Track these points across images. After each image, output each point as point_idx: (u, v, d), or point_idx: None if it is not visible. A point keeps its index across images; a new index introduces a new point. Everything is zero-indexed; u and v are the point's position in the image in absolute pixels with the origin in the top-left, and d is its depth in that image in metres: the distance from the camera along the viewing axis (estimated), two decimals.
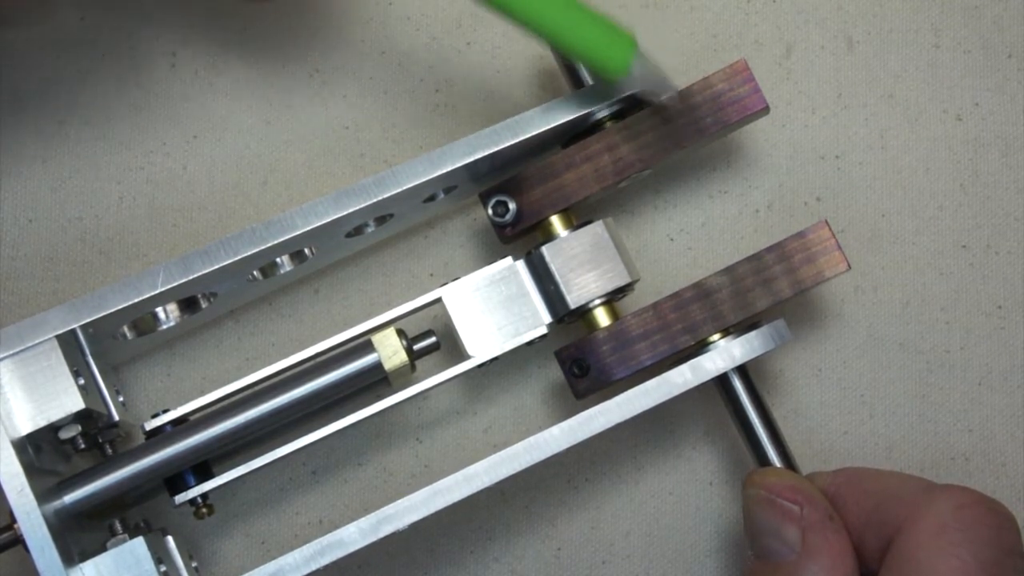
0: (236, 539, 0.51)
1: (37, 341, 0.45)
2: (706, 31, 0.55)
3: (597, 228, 0.49)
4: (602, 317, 0.49)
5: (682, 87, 0.49)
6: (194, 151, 0.53)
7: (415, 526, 0.45)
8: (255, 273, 0.49)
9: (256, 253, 0.46)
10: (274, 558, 0.45)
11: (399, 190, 0.47)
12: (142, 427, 0.47)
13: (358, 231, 0.50)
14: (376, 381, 0.47)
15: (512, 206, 0.49)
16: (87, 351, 0.47)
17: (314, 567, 0.45)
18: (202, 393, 0.48)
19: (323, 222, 0.47)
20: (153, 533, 0.47)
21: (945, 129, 0.54)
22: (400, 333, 0.47)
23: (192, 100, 0.54)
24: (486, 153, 0.48)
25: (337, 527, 0.45)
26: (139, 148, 0.53)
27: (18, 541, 0.44)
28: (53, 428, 0.45)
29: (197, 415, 0.47)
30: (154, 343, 0.51)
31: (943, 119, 0.54)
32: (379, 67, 0.54)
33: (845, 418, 0.53)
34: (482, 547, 0.52)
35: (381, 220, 0.50)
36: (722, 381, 0.48)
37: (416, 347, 0.48)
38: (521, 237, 0.50)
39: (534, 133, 0.48)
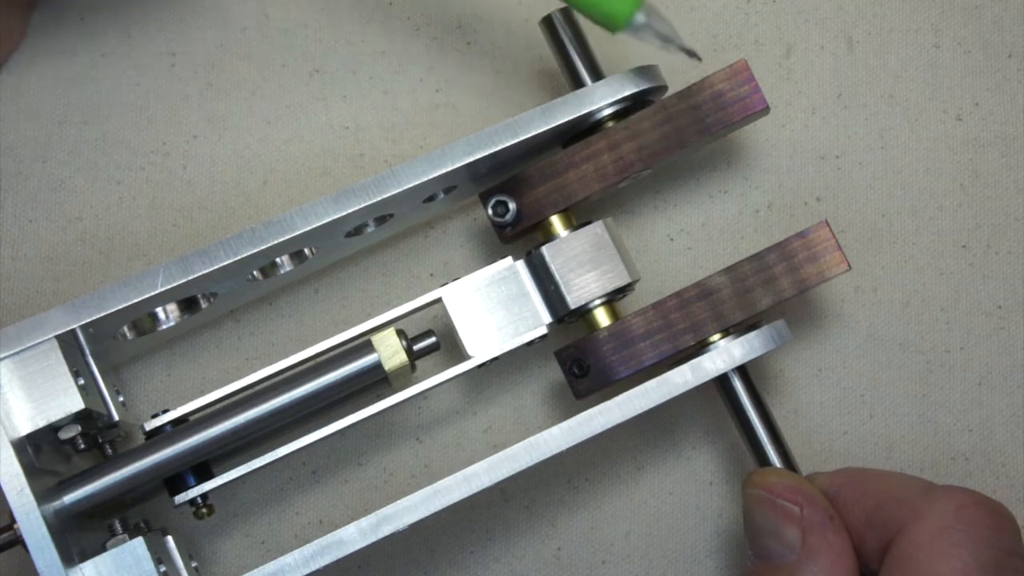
0: (236, 539, 0.51)
1: (37, 341, 0.45)
2: (706, 31, 0.55)
3: (597, 228, 0.49)
4: (602, 317, 0.49)
5: (682, 87, 0.49)
6: (194, 151, 0.53)
7: (415, 526, 0.45)
8: (255, 273, 0.49)
9: (256, 253, 0.46)
10: (274, 558, 0.45)
11: (399, 190, 0.47)
12: (142, 427, 0.47)
13: (358, 231, 0.50)
14: (376, 381, 0.47)
15: (512, 206, 0.49)
16: (87, 351, 0.47)
17: (314, 567, 0.45)
18: (202, 393, 0.48)
19: (323, 222, 0.47)
20: (153, 533, 0.47)
21: (945, 129, 0.54)
22: (400, 333, 0.47)
23: (192, 100, 0.54)
24: (486, 153, 0.48)
25: (337, 527, 0.45)
26: (139, 148, 0.53)
27: (18, 541, 0.44)
28: (53, 428, 0.45)
29: (197, 415, 0.47)
30: (154, 343, 0.51)
31: (943, 119, 0.54)
32: (379, 67, 0.54)
33: (845, 418, 0.53)
34: (482, 547, 0.52)
35: (381, 220, 0.50)
36: (722, 381, 0.48)
37: (416, 347, 0.48)
38: (521, 237, 0.50)
39: (534, 133, 0.48)
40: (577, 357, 0.48)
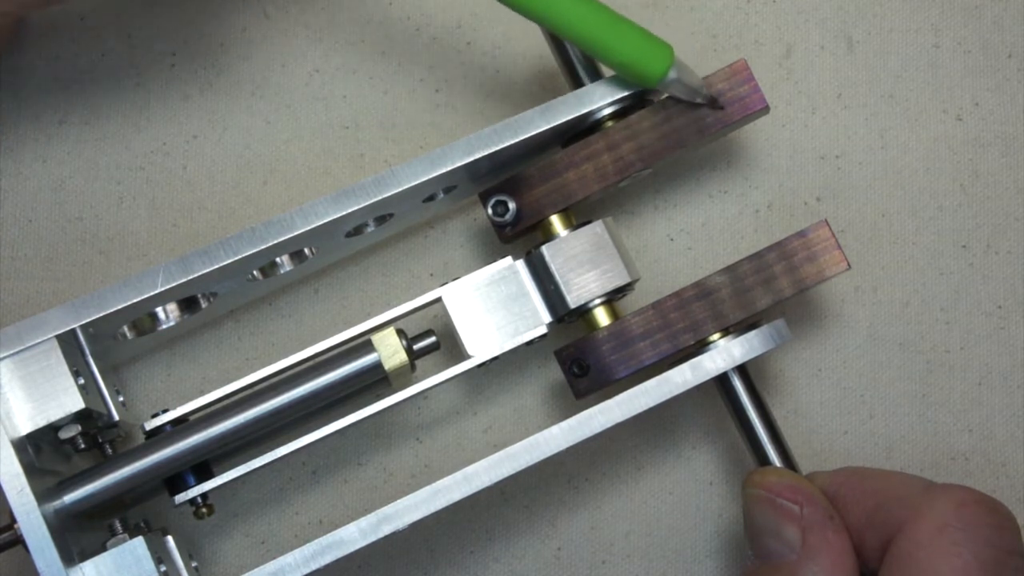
0: (236, 539, 0.51)
1: (37, 341, 0.45)
2: (706, 31, 0.55)
3: (597, 228, 0.49)
4: (602, 317, 0.49)
5: None
6: (194, 151, 0.53)
7: (415, 526, 0.45)
8: (255, 273, 0.49)
9: (256, 253, 0.46)
10: (274, 558, 0.45)
11: (399, 190, 0.47)
12: (142, 427, 0.47)
13: (358, 231, 0.50)
14: (376, 381, 0.47)
15: (512, 206, 0.49)
16: (87, 351, 0.47)
17: (314, 567, 0.45)
18: (202, 393, 0.48)
19: (323, 222, 0.47)
20: (153, 533, 0.47)
21: (945, 129, 0.54)
22: (400, 333, 0.47)
23: (192, 100, 0.54)
24: (486, 153, 0.48)
25: (337, 527, 0.45)
26: (139, 148, 0.53)
27: (18, 541, 0.44)
28: (53, 428, 0.45)
29: (197, 415, 0.47)
30: (154, 343, 0.51)
31: (943, 119, 0.54)
32: (379, 67, 0.54)
33: (845, 418, 0.53)
34: (482, 547, 0.52)
35: (381, 220, 0.50)
36: (722, 381, 0.48)
37: (416, 347, 0.48)
38: (521, 237, 0.50)
39: (534, 133, 0.48)
40: (577, 357, 0.48)
